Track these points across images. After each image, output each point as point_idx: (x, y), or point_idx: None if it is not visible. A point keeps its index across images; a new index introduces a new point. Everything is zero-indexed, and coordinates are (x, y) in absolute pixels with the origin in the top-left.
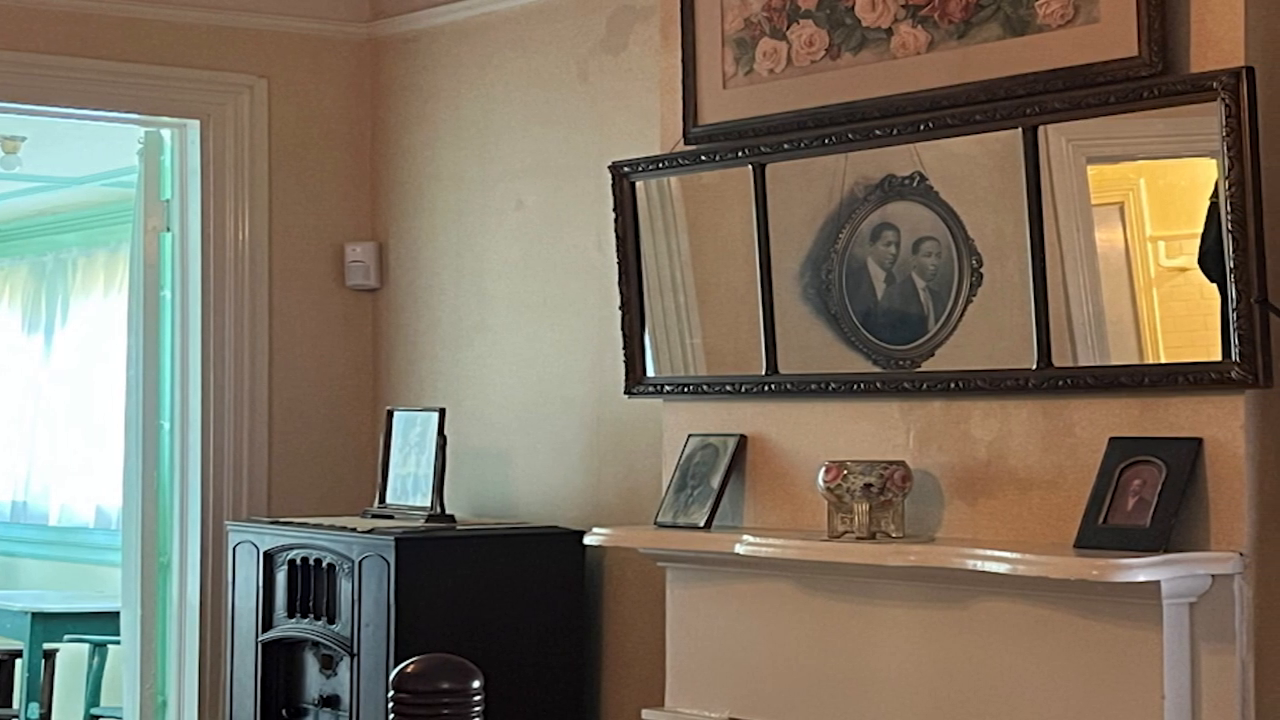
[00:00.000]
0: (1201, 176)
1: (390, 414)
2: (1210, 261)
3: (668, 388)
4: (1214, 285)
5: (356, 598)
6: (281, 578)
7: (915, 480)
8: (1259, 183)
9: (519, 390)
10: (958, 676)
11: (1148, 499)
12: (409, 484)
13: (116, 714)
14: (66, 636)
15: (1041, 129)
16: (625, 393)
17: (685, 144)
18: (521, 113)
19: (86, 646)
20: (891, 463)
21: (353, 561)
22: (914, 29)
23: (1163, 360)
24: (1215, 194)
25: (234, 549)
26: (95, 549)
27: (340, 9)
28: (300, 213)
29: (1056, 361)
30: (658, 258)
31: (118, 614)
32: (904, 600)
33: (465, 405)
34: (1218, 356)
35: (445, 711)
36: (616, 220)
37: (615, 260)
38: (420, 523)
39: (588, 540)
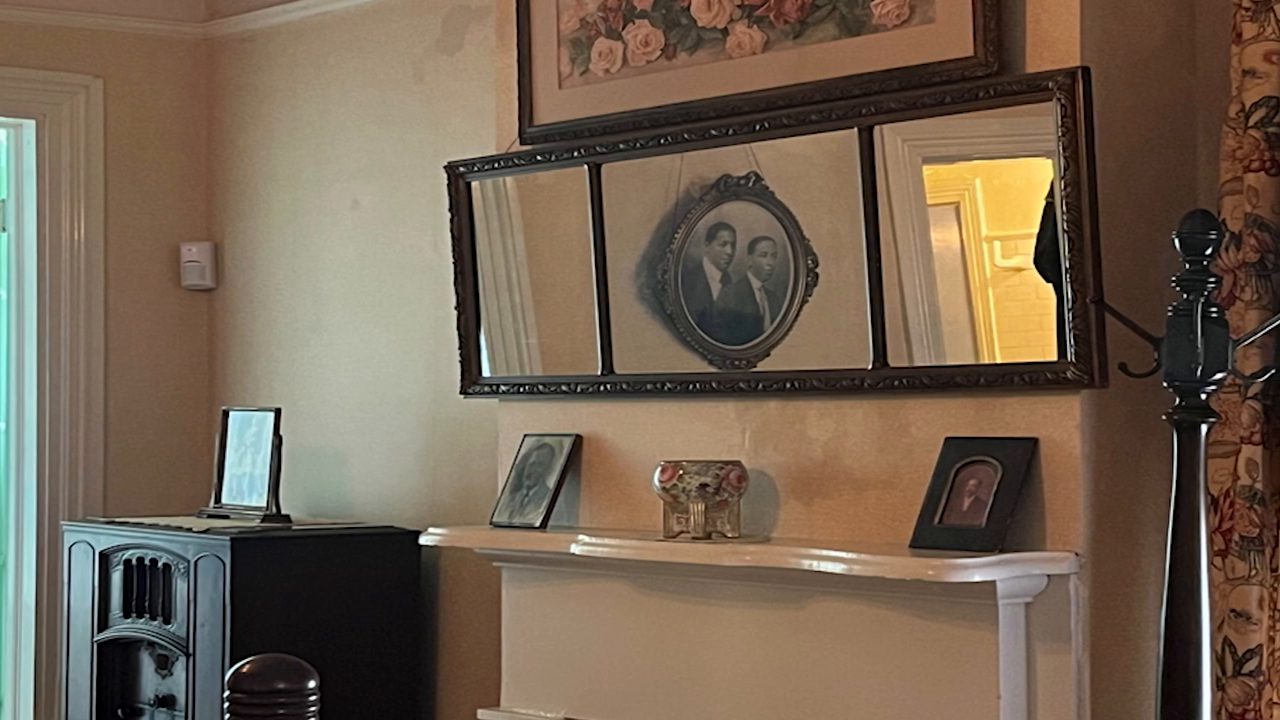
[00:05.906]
0: (1037, 176)
1: (226, 414)
2: (1046, 261)
3: (503, 388)
4: (1050, 285)
5: (192, 598)
6: (117, 578)
7: (751, 480)
8: (1094, 183)
9: (355, 390)
10: (793, 676)
11: (983, 499)
12: (245, 484)
13: None
14: None
15: (877, 129)
16: (461, 393)
17: (521, 144)
18: (357, 113)
19: None
20: (727, 463)
21: (188, 561)
22: (750, 29)
23: (998, 360)
24: (1051, 194)
25: (70, 549)
26: None
27: (175, 9)
28: (136, 213)
29: (892, 361)
30: (493, 258)
31: None
32: (740, 600)
33: (301, 405)
34: (1053, 356)
35: (281, 711)
36: (452, 220)
37: (451, 260)
38: (256, 523)
39: (423, 540)
